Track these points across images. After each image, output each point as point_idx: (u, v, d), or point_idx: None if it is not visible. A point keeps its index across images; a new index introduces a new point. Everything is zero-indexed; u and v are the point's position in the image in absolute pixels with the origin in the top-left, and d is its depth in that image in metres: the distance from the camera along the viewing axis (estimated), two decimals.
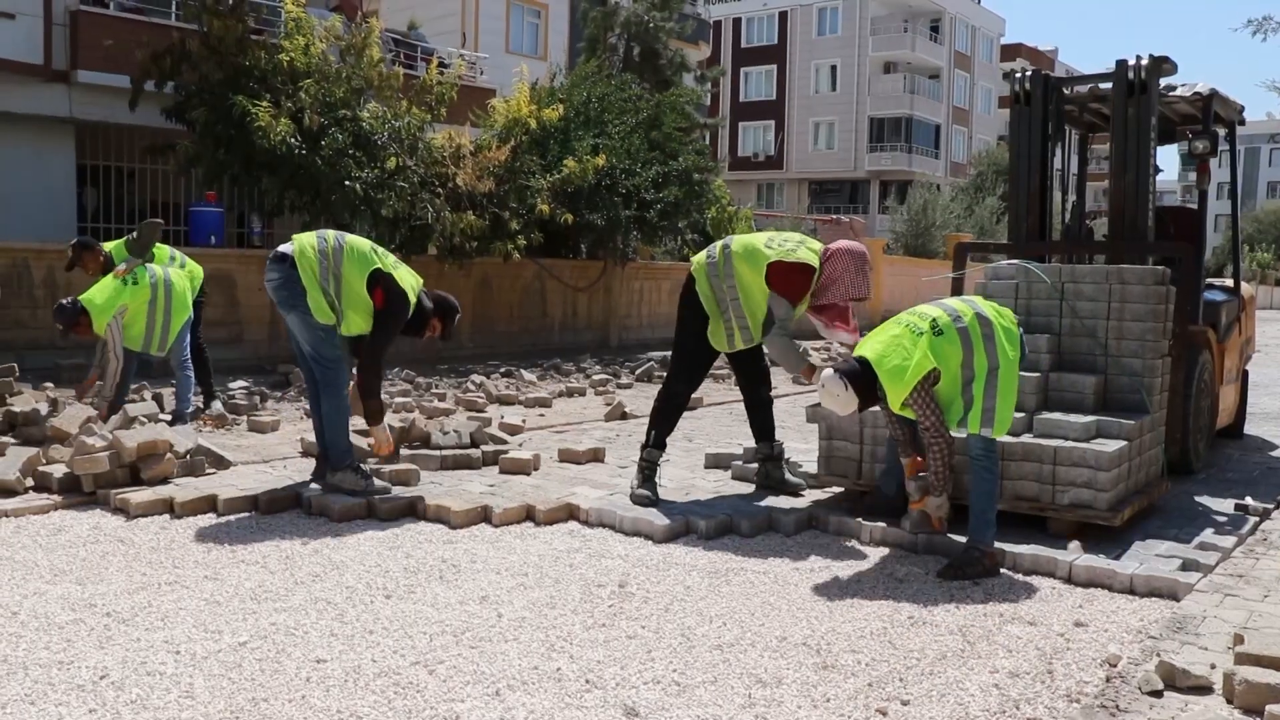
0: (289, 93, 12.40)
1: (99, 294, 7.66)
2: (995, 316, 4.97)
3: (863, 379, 4.83)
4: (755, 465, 6.52)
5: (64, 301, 7.80)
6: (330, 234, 6.12)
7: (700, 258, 6.08)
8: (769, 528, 5.58)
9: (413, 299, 6.05)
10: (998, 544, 4.99)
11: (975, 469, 4.98)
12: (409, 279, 6.09)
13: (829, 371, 4.92)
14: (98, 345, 7.89)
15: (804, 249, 5.89)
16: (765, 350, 6.18)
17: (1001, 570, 4.90)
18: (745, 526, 5.51)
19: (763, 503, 6.05)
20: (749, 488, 6.47)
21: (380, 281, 5.96)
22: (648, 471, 6.07)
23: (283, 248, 6.05)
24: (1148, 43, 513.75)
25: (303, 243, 6.00)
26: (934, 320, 4.89)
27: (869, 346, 4.95)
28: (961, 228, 35.35)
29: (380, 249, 6.15)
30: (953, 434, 4.96)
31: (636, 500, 5.89)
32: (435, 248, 13.07)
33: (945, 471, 5.02)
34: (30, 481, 5.87)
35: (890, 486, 5.60)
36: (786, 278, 5.84)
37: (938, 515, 5.16)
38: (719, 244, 6.07)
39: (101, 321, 7.60)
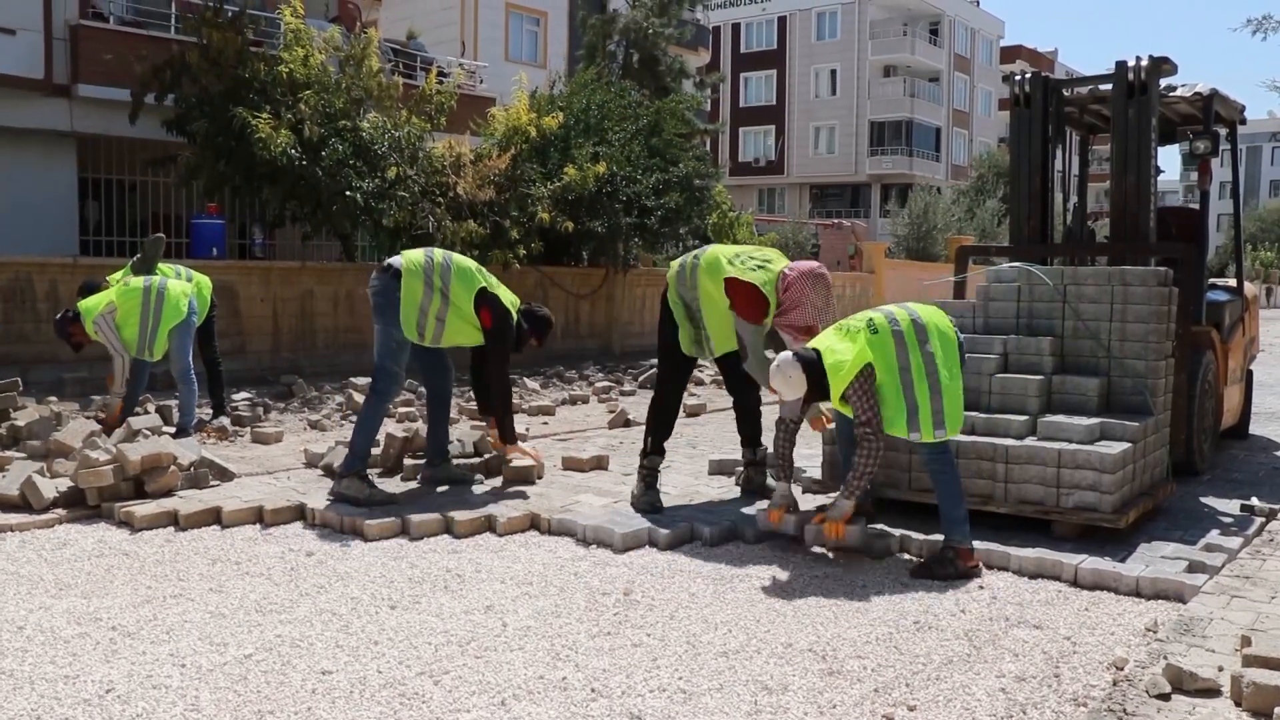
0: (289, 104, 12.42)
1: (91, 298, 7.82)
2: (931, 321, 5.07)
3: (815, 368, 4.95)
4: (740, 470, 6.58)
5: (58, 317, 7.91)
6: (438, 253, 6.41)
7: (674, 265, 6.16)
8: (773, 534, 5.56)
9: (514, 318, 6.43)
10: (998, 546, 4.99)
11: (932, 473, 5.08)
12: (509, 297, 6.45)
13: (786, 354, 5.07)
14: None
15: (764, 271, 5.84)
16: (748, 372, 6.14)
17: (983, 570, 4.92)
18: (749, 533, 5.50)
19: (766, 509, 6.02)
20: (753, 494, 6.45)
21: (487, 301, 6.29)
22: (649, 479, 6.06)
23: (393, 260, 6.36)
24: (1147, 43, 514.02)
25: (411, 259, 6.28)
26: (870, 320, 5.05)
27: (818, 341, 5.11)
28: (963, 231, 35.34)
29: (483, 269, 6.46)
30: (906, 439, 5.04)
31: (640, 507, 5.88)
32: None
33: (867, 471, 5.00)
34: (50, 496, 5.84)
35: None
36: (742, 297, 5.82)
37: (837, 518, 5.07)
38: (692, 253, 6.14)
39: (88, 321, 7.69)
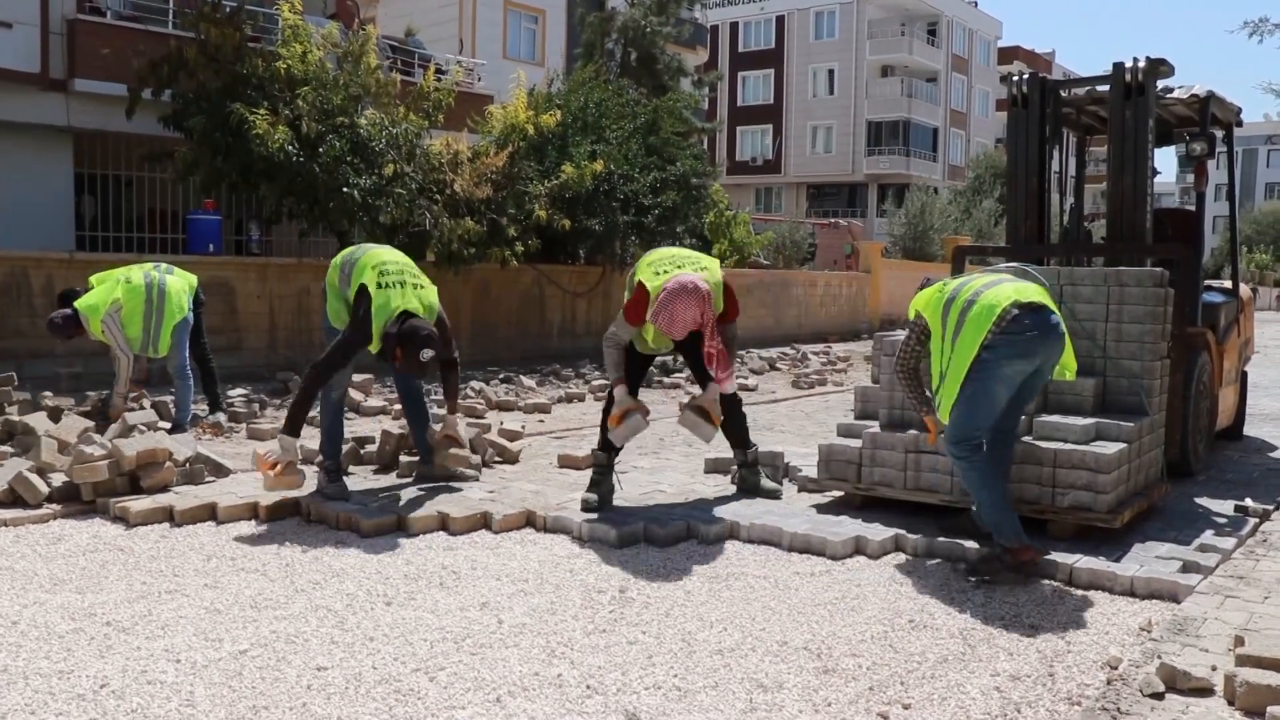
0: (286, 100, 12.40)
1: (91, 295, 7.72)
2: (987, 304, 4.80)
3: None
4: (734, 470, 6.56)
5: (54, 319, 7.81)
6: (361, 248, 6.32)
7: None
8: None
9: (377, 322, 5.81)
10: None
11: (955, 470, 5.09)
12: (394, 299, 5.86)
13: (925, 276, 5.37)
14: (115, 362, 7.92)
15: (659, 278, 5.65)
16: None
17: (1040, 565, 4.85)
18: (745, 531, 5.50)
19: (762, 507, 6.04)
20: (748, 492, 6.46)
21: (359, 296, 5.95)
22: (596, 475, 6.00)
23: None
24: (1144, 45, 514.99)
25: (339, 255, 6.28)
26: (946, 283, 5.10)
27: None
28: (959, 231, 35.38)
29: (394, 266, 6.06)
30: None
31: (583, 506, 5.83)
32: (433, 254, 13.06)
33: (898, 376, 5.27)
34: (45, 490, 5.83)
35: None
36: (632, 298, 5.82)
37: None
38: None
39: (95, 320, 7.63)
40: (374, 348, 5.88)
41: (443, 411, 6.67)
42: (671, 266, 5.77)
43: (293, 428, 5.91)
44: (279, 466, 5.80)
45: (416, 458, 6.83)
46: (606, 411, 6.08)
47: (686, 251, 6.12)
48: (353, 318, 5.96)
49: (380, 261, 6.05)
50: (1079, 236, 8.72)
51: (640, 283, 5.74)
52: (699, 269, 5.77)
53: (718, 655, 3.83)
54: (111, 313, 7.66)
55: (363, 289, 5.91)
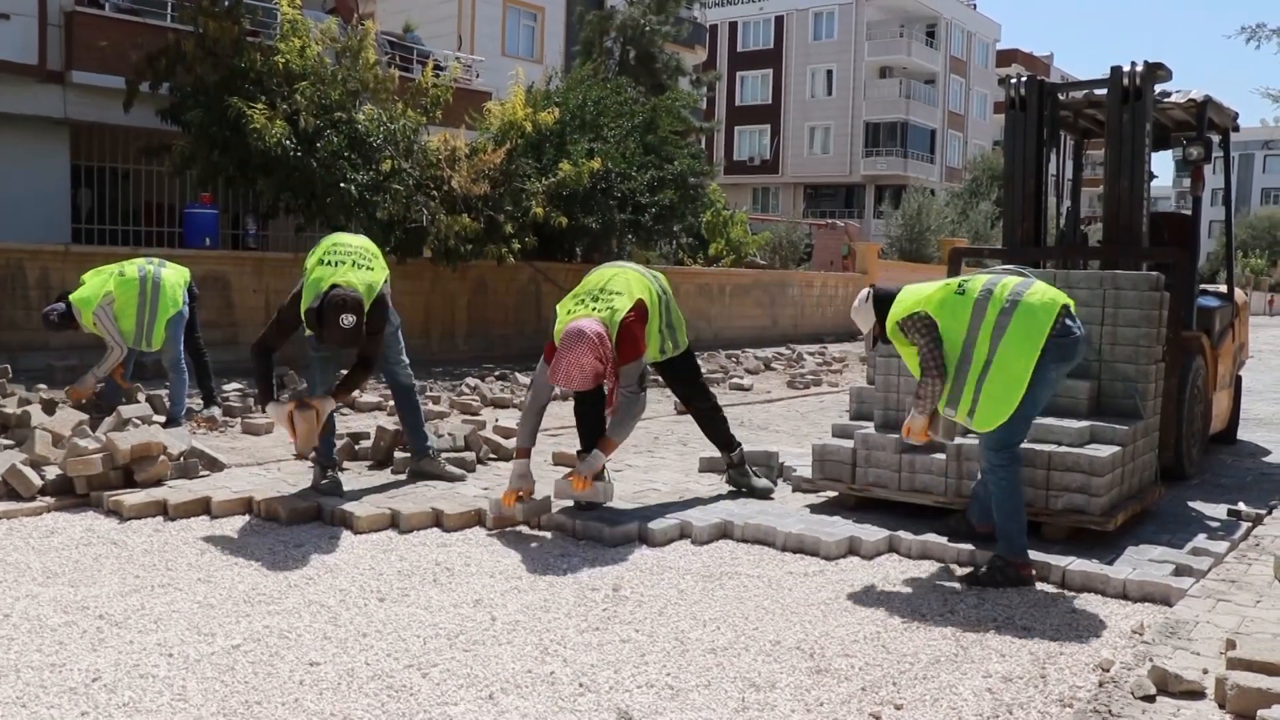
0: (284, 95, 12.40)
1: (84, 289, 7.72)
2: (1030, 305, 4.73)
3: (885, 304, 5.07)
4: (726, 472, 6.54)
5: (49, 313, 7.79)
6: (336, 233, 6.29)
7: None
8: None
9: (307, 297, 5.73)
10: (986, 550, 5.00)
11: (986, 478, 4.96)
12: (326, 276, 5.76)
13: (865, 289, 5.25)
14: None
15: (565, 317, 5.56)
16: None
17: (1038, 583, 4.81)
18: (739, 530, 5.50)
19: (756, 507, 6.04)
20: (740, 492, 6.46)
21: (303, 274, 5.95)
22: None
23: None
24: (1142, 49, 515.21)
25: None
26: (962, 282, 4.93)
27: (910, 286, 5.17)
28: (956, 233, 35.41)
29: (344, 247, 6.01)
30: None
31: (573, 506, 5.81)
32: (430, 250, 13.07)
33: (930, 393, 4.87)
34: (38, 483, 5.82)
35: (975, 515, 5.33)
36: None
37: (910, 425, 5.01)
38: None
39: (87, 312, 7.62)
40: (307, 326, 5.76)
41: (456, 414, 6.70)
42: (576, 305, 5.59)
43: (266, 395, 5.99)
44: (295, 427, 5.79)
45: (407, 453, 6.83)
46: (577, 414, 6.06)
47: (611, 273, 5.82)
48: (292, 294, 5.94)
49: (334, 243, 6.05)
50: (1075, 239, 8.73)
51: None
52: (605, 309, 5.50)
53: (711, 654, 3.83)
54: (104, 305, 7.65)
55: (306, 269, 5.95)
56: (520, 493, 5.57)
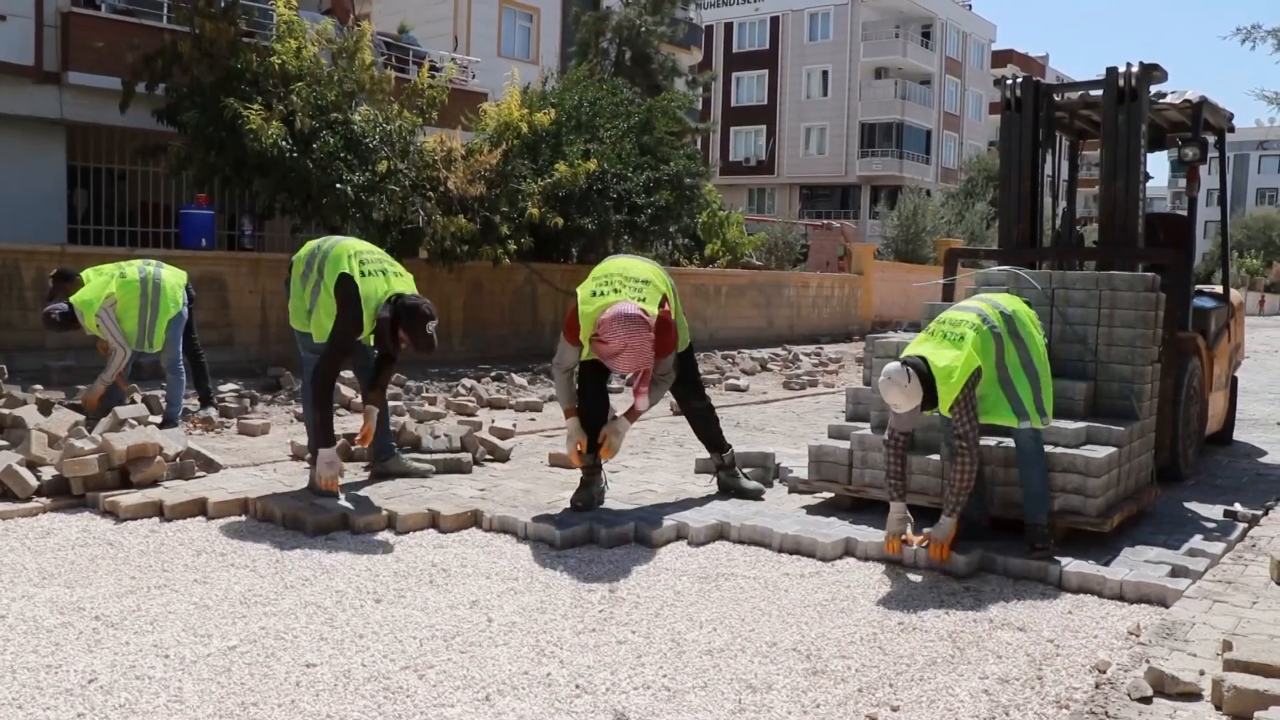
0: (280, 96, 12.38)
1: (86, 291, 7.70)
2: (1016, 310, 5.20)
3: (926, 376, 4.75)
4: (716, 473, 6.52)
5: (50, 313, 7.78)
6: (328, 239, 6.24)
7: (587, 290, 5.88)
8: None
9: (368, 309, 5.85)
10: (985, 551, 5.01)
11: (1025, 454, 5.14)
12: (380, 286, 5.91)
13: (893, 364, 4.80)
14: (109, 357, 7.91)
15: (596, 300, 5.52)
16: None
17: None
18: (735, 532, 5.50)
19: (753, 508, 6.04)
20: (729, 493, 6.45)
21: (342, 287, 5.88)
22: (585, 477, 5.96)
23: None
24: (1138, 50, 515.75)
25: (303, 249, 6.21)
26: (972, 323, 4.96)
27: (921, 348, 4.93)
28: (952, 233, 35.41)
29: (371, 255, 6.10)
30: (1016, 426, 5.10)
31: (573, 504, 5.82)
32: (426, 251, 13.05)
33: (965, 486, 4.87)
34: (34, 484, 5.81)
35: (975, 508, 5.35)
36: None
37: (941, 539, 4.87)
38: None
39: (89, 315, 7.60)
40: (366, 335, 5.93)
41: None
42: (605, 289, 5.58)
43: (326, 438, 5.94)
44: (334, 481, 5.92)
45: (407, 452, 6.84)
46: (586, 415, 6.00)
47: (628, 262, 5.90)
48: (342, 308, 5.87)
49: (356, 250, 6.05)
50: (1071, 240, 8.74)
51: (576, 299, 5.62)
52: (639, 295, 5.53)
53: (707, 656, 3.83)
54: (106, 307, 7.64)
55: (345, 278, 5.87)
56: (579, 446, 5.81)
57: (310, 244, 6.26)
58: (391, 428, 6.97)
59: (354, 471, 6.75)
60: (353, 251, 6.01)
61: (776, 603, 4.48)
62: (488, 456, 7.27)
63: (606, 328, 5.32)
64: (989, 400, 5.02)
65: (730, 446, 6.50)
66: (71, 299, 7.70)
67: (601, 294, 5.54)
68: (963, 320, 5.01)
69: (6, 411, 7.23)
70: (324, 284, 5.95)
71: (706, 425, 6.43)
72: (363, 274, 5.90)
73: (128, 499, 5.66)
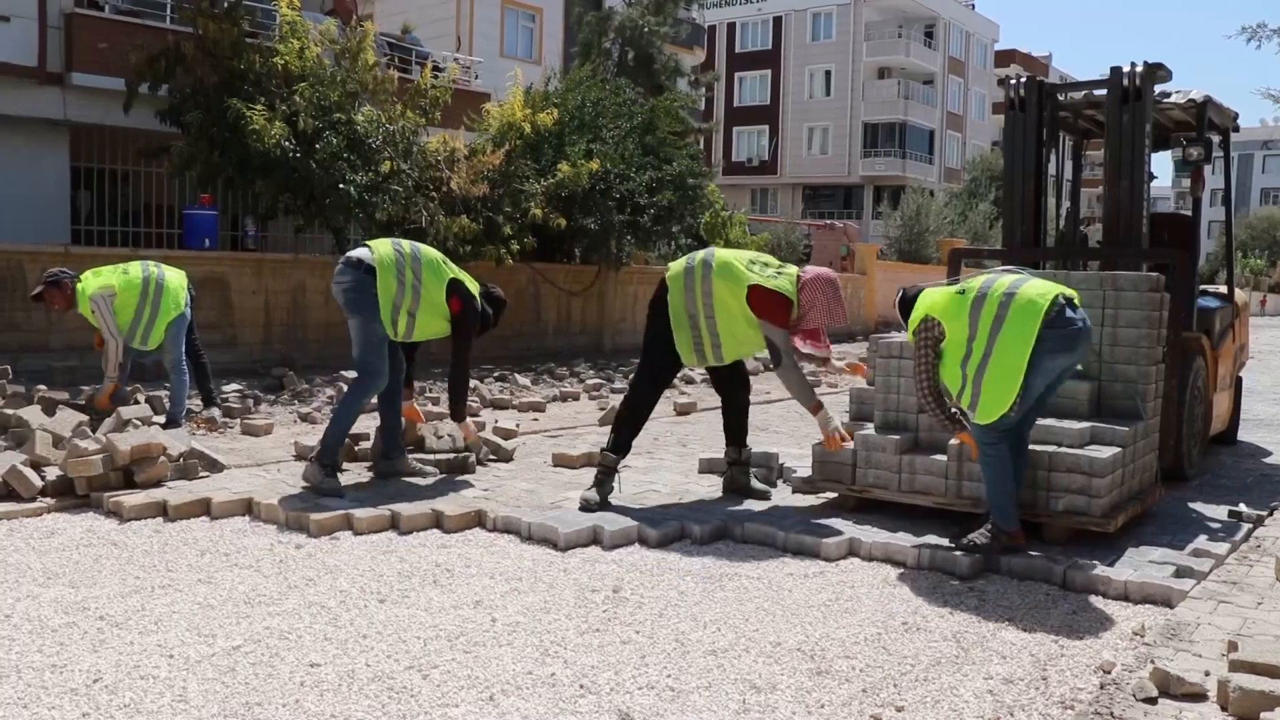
0: (284, 96, 12.39)
1: (88, 277, 7.78)
2: (1025, 299, 4.92)
3: (910, 306, 5.29)
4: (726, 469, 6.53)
5: (48, 279, 7.85)
6: (406, 244, 6.49)
7: (677, 268, 6.02)
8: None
9: (479, 304, 6.65)
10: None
11: (979, 457, 5.14)
12: (473, 285, 6.66)
13: (900, 289, 5.47)
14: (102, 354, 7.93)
15: (783, 278, 5.88)
16: (781, 379, 6.11)
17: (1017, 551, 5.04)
18: (739, 532, 5.50)
19: (756, 509, 6.04)
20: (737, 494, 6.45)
21: (457, 291, 6.49)
22: (600, 476, 6.01)
23: (359, 253, 6.37)
24: (1142, 49, 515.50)
25: (382, 254, 6.32)
26: (966, 284, 5.12)
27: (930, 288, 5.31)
28: (955, 233, 35.43)
29: (445, 258, 6.61)
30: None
31: (581, 505, 5.84)
32: None
33: (920, 392, 5.22)
34: (39, 484, 5.82)
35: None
36: (768, 304, 5.80)
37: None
38: (699, 256, 5.99)
39: (84, 299, 7.65)
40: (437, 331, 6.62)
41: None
42: (775, 264, 6.02)
43: (461, 411, 6.75)
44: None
45: (411, 453, 6.84)
46: (628, 415, 6.14)
47: (744, 251, 6.45)
48: (463, 309, 6.52)
49: (440, 254, 6.58)
50: (1075, 240, 8.73)
51: (764, 287, 5.81)
52: (776, 273, 5.95)
53: (711, 656, 3.83)
54: (104, 295, 7.66)
55: (454, 282, 6.50)
56: (844, 435, 6.10)
57: (386, 246, 6.41)
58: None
59: (358, 471, 6.76)
60: (443, 258, 6.55)
61: (780, 603, 4.48)
62: (491, 457, 7.27)
63: (819, 288, 5.80)
64: (947, 372, 5.09)
65: (749, 446, 6.49)
66: (80, 277, 7.80)
67: (782, 272, 5.95)
68: (973, 280, 5.13)
69: (11, 412, 7.25)
70: (426, 290, 6.36)
71: (741, 419, 6.43)
72: (459, 273, 6.63)
73: (132, 499, 5.66)
